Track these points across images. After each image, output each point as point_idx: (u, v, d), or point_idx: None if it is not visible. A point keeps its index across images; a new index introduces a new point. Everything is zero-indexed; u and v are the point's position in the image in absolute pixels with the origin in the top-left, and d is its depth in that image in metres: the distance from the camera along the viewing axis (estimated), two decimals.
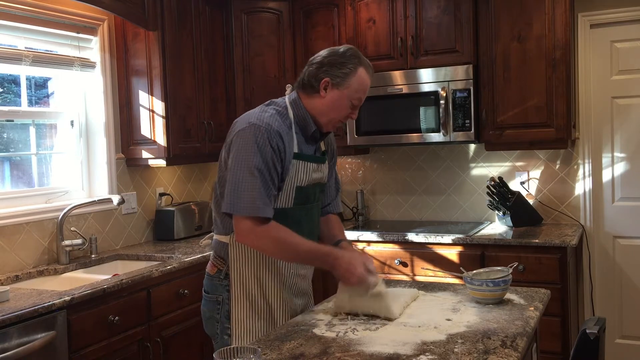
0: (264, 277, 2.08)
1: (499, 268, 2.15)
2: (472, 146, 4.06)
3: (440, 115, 3.64)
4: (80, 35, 3.46)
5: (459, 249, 3.48)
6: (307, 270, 2.22)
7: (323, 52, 2.08)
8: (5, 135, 3.22)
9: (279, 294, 2.10)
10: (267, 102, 2.11)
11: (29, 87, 3.33)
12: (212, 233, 2.22)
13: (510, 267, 2.13)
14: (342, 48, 2.07)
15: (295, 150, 2.03)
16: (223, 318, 2.09)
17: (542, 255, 3.29)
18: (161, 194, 3.92)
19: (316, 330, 1.85)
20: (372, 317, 1.95)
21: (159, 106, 3.54)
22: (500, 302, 2.06)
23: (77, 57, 3.44)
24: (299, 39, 4.15)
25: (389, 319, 1.92)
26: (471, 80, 3.58)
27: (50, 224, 3.19)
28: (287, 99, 2.11)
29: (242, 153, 1.94)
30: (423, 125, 3.73)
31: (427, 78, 3.69)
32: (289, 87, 2.18)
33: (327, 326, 1.88)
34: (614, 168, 3.77)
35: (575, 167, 3.84)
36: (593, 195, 3.80)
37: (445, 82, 3.64)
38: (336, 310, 2.02)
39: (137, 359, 2.82)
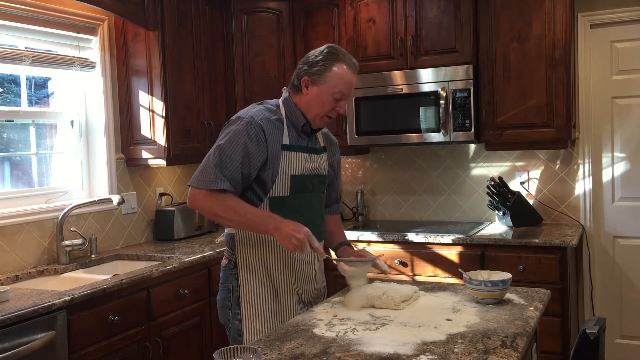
0: (269, 262, 2.20)
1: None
2: (472, 146, 4.06)
3: (440, 115, 3.64)
4: (80, 35, 3.46)
5: (458, 249, 3.48)
6: (311, 257, 2.30)
7: (307, 54, 2.24)
8: (5, 135, 3.22)
9: (284, 277, 2.22)
10: (260, 102, 2.28)
11: (29, 87, 3.33)
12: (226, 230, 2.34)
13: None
14: (322, 47, 2.21)
15: (286, 142, 2.18)
16: (234, 304, 2.22)
17: (542, 255, 3.29)
18: (161, 194, 3.92)
19: (316, 330, 1.85)
20: (372, 316, 1.95)
21: (159, 106, 3.54)
22: (500, 302, 2.06)
23: (77, 57, 3.44)
24: (299, 39, 4.15)
25: (392, 308, 2.01)
26: (471, 80, 3.58)
27: (50, 224, 3.19)
28: (280, 99, 2.28)
29: (219, 139, 2.13)
30: (423, 125, 3.73)
31: (427, 78, 3.69)
32: (285, 89, 2.33)
33: (327, 326, 1.89)
34: (614, 168, 3.77)
35: (575, 167, 3.84)
36: (593, 195, 3.80)
37: (445, 82, 3.64)
38: (348, 307, 2.08)
39: (137, 359, 2.82)
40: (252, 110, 2.18)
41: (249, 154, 2.09)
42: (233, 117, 2.19)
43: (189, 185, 2.13)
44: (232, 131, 2.11)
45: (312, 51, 2.23)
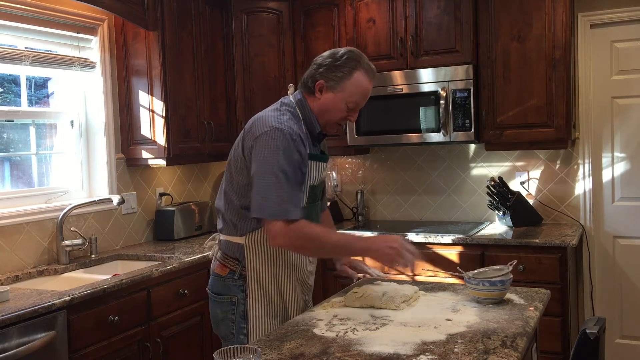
0: (280, 275, 2.13)
1: (498, 267, 2.16)
2: (472, 146, 4.06)
3: (440, 115, 3.64)
4: (80, 35, 3.46)
5: (459, 249, 3.48)
6: (314, 267, 2.28)
7: (325, 53, 2.10)
8: (5, 135, 3.22)
9: (293, 291, 2.16)
10: (278, 103, 2.12)
11: (29, 87, 3.33)
12: (215, 234, 2.25)
13: (510, 265, 2.13)
14: (342, 50, 2.07)
15: (309, 151, 2.06)
16: (239, 318, 2.12)
17: (542, 255, 3.29)
18: (161, 194, 3.92)
19: (316, 330, 1.85)
20: (372, 316, 1.95)
21: (159, 106, 3.54)
22: (500, 302, 2.06)
23: (77, 57, 3.44)
24: (299, 39, 4.15)
25: (392, 309, 2.00)
26: (471, 80, 3.58)
27: (50, 224, 3.19)
28: (292, 98, 2.12)
29: (268, 157, 1.94)
30: (423, 125, 3.73)
31: (427, 78, 3.69)
32: (291, 87, 2.20)
33: (327, 326, 1.88)
34: (614, 168, 3.77)
35: (575, 167, 3.84)
36: (593, 195, 3.80)
37: (445, 82, 3.64)
38: (346, 304, 2.09)
39: (137, 359, 2.82)
40: (284, 118, 2.00)
41: (303, 172, 1.99)
42: (265, 127, 1.98)
43: (257, 217, 1.98)
44: (280, 148, 1.93)
45: (331, 52, 2.08)
